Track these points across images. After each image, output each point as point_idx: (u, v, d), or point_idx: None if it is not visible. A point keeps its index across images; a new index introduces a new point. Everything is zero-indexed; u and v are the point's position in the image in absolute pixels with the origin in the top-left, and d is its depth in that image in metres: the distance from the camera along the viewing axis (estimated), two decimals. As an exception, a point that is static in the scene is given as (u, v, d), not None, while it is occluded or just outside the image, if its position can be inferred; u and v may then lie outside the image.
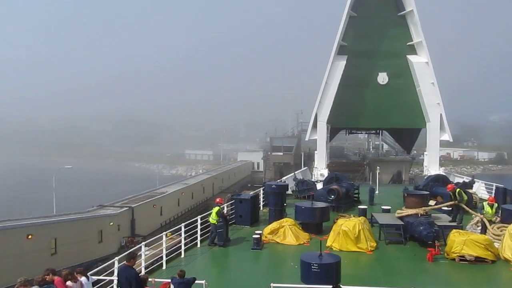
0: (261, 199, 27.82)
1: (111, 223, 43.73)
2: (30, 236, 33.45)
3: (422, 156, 47.58)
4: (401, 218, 21.59)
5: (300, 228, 21.37)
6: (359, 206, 25.77)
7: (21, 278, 10.57)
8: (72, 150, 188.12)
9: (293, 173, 38.21)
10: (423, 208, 21.86)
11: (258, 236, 19.51)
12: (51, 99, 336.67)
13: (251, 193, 27.08)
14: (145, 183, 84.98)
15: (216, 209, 19.97)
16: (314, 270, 12.81)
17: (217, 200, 21.46)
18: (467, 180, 33.56)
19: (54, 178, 50.40)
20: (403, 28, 43.48)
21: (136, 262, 12.92)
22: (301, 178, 35.64)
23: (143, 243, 17.35)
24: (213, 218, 19.84)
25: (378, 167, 40.96)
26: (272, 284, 11.90)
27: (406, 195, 25.30)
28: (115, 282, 13.85)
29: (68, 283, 11.46)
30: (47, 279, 10.95)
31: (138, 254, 14.98)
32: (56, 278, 11.24)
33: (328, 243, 19.24)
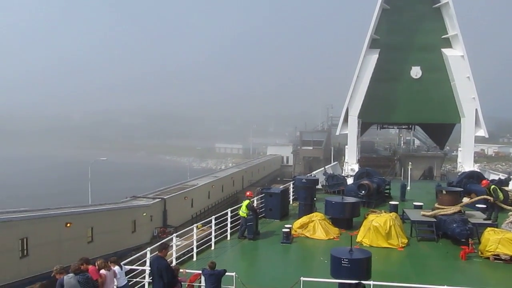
0: (291, 193, 27.76)
1: (144, 214, 44.51)
2: (68, 224, 34.36)
3: (455, 152, 46.60)
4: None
5: (330, 223, 21.23)
6: (390, 202, 25.39)
7: (57, 266, 10.92)
8: (105, 143, 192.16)
9: (323, 168, 37.96)
10: (459, 204, 21.33)
11: (288, 230, 19.48)
12: (85, 95, 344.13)
13: (281, 187, 27.05)
14: (175, 176, 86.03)
15: (246, 202, 20.05)
16: (345, 265, 12.68)
17: (247, 193, 21.54)
18: (503, 177, 32.55)
19: (90, 169, 51.62)
20: (437, 20, 42.45)
21: (168, 253, 13.13)
22: (331, 172, 35.38)
23: (175, 234, 17.59)
24: (243, 211, 19.93)
25: (410, 163, 40.22)
26: (302, 278, 11.87)
27: (439, 192, 24.75)
28: (147, 272, 14.12)
29: (102, 271, 11.75)
30: (82, 268, 11.23)
31: (170, 245, 15.18)
32: (90, 267, 11.52)
33: (358, 239, 19.04)
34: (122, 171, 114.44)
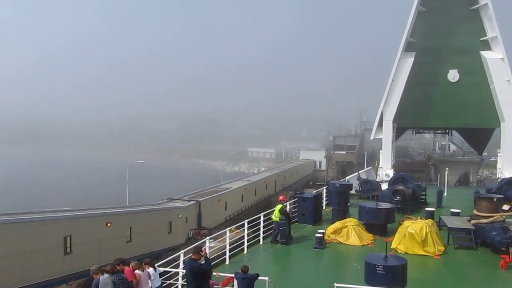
0: (324, 198, 27.49)
1: (180, 215, 45.09)
2: (109, 224, 35.19)
3: (493, 157, 45.08)
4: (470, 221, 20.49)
5: (364, 228, 20.88)
6: (426, 208, 24.75)
7: (94, 266, 11.18)
8: (140, 147, 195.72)
9: (357, 173, 37.47)
10: (505, 214, 20.56)
11: (321, 235, 19.27)
12: (121, 101, 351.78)
13: (314, 191, 26.84)
14: (209, 179, 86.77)
15: (279, 206, 19.97)
16: (379, 272, 12.45)
17: (280, 197, 21.45)
18: None
19: (127, 172, 52.87)
20: (476, 22, 41.31)
21: (201, 257, 13.19)
22: (365, 178, 34.86)
23: (208, 237, 17.69)
24: (276, 216, 19.85)
25: (447, 168, 39.15)
26: (335, 284, 11.71)
27: (477, 198, 23.94)
28: (181, 274, 14.25)
29: (137, 272, 11.93)
30: (117, 268, 11.44)
31: (203, 248, 15.27)
32: (126, 268, 11.73)
33: (393, 245, 18.63)
34: (156, 174, 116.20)
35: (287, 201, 23.38)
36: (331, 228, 20.74)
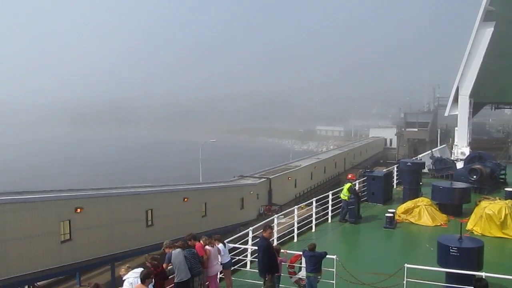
0: (395, 177, 26.65)
1: (251, 192, 46.28)
2: (186, 199, 36.72)
3: None
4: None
5: (437, 208, 20.04)
6: (506, 189, 23.22)
7: (167, 241, 11.57)
8: (209, 127, 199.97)
9: (430, 151, 35.88)
10: None
11: (391, 214, 18.76)
12: (191, 81, 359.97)
13: (384, 170, 26.12)
14: (277, 158, 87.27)
15: (348, 185, 19.65)
16: (453, 254, 11.89)
17: (349, 176, 21.08)
18: None
19: (201, 150, 54.94)
20: None
21: (271, 233, 13.31)
22: (439, 156, 33.26)
23: (276, 215, 17.83)
24: (344, 194, 19.57)
25: None
26: (406, 265, 11.38)
27: None
28: (249, 250, 14.51)
29: (207, 247, 12.27)
30: (189, 243, 11.81)
31: (272, 225, 15.41)
32: (197, 243, 12.09)
33: (469, 227, 17.74)
34: (226, 153, 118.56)
35: (356, 180, 22.97)
36: (402, 207, 20.11)
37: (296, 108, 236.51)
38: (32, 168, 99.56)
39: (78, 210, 27.04)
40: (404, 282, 11.38)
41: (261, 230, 12.51)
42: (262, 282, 12.00)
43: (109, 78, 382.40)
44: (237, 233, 17.07)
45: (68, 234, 26.50)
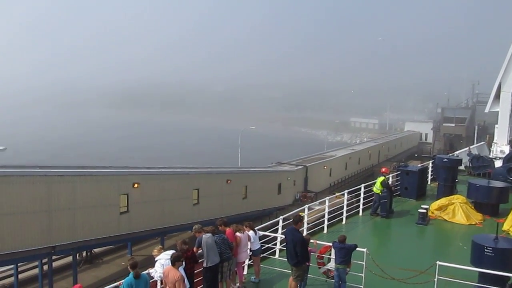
0: (430, 173, 25.92)
1: (288, 178, 47.15)
2: (228, 181, 37.75)
3: None
4: None
5: (472, 207, 19.38)
6: None
7: (197, 225, 11.59)
8: (244, 115, 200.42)
9: (467, 148, 34.70)
10: None
11: (425, 210, 18.25)
12: (227, 70, 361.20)
13: (419, 165, 25.44)
14: (311, 148, 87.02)
15: (381, 178, 19.23)
16: (488, 254, 11.45)
17: (383, 169, 20.60)
18: None
19: (240, 137, 56.05)
20: None
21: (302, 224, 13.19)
22: (477, 153, 32.13)
23: (307, 205, 17.65)
24: (377, 188, 19.17)
25: None
26: (438, 262, 11.05)
27: None
28: (279, 239, 14.45)
29: (237, 234, 12.28)
30: (220, 229, 11.84)
31: (303, 215, 15.26)
32: (227, 229, 12.11)
33: (505, 227, 17.04)
34: (262, 141, 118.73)
35: (390, 174, 22.48)
36: (435, 204, 19.54)
37: (331, 98, 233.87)
38: (83, 146, 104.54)
39: (136, 185, 28.50)
40: (435, 279, 11.07)
41: (292, 220, 12.43)
42: (290, 271, 11.92)
43: (151, 65, 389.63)
44: (274, 217, 17.12)
45: (126, 207, 27.98)
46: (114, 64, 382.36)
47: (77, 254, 27.02)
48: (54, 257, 25.20)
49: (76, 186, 24.84)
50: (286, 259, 11.95)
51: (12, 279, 25.61)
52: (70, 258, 27.66)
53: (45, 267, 24.74)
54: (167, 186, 31.50)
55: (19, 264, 25.05)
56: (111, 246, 31.57)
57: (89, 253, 30.34)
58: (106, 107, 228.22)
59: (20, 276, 25.72)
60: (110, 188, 27.03)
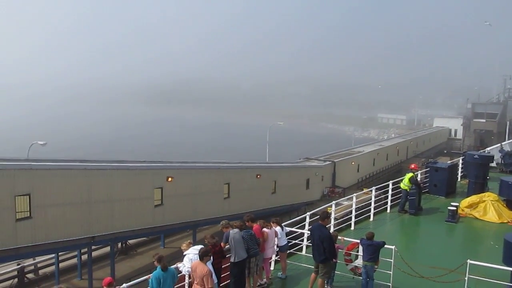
0: (460, 169, 25.29)
1: (316, 174, 47.09)
2: (258, 176, 38.06)
3: None
4: None
5: (504, 205, 18.78)
6: None
7: (224, 221, 11.61)
8: (270, 111, 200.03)
9: (499, 144, 33.70)
10: None
11: (454, 208, 17.82)
12: (252, 68, 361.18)
13: (449, 162, 24.85)
14: (337, 144, 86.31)
15: (409, 175, 18.85)
16: (520, 253, 11.11)
17: (412, 166, 20.17)
18: None
19: (268, 133, 56.35)
20: None
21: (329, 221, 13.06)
22: (509, 150, 31.15)
23: (334, 202, 17.50)
24: (405, 184, 18.83)
25: None
26: (469, 261, 10.78)
27: None
28: (306, 235, 14.36)
29: (265, 229, 12.25)
30: (247, 225, 11.83)
31: (330, 211, 15.13)
32: (255, 225, 12.10)
33: (539, 226, 16.53)
34: (288, 137, 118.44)
35: (418, 170, 22.03)
36: (466, 201, 19.06)
37: (357, 94, 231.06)
38: (118, 142, 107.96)
39: (169, 179, 28.98)
40: (466, 278, 10.81)
41: (318, 217, 12.34)
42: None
43: (179, 62, 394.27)
44: (302, 212, 17.05)
45: (160, 200, 28.56)
46: (144, 61, 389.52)
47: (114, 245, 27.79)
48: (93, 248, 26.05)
49: (114, 179, 25.55)
50: (312, 255, 11.87)
51: (53, 267, 26.68)
52: (104, 249, 28.66)
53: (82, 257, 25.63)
54: (199, 180, 32.03)
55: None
56: (144, 238, 32.43)
57: (124, 245, 31.18)
58: (141, 104, 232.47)
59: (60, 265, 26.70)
60: (145, 182, 27.69)
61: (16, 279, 25.16)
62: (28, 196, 21.04)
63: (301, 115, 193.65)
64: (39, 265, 26.98)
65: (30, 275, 26.33)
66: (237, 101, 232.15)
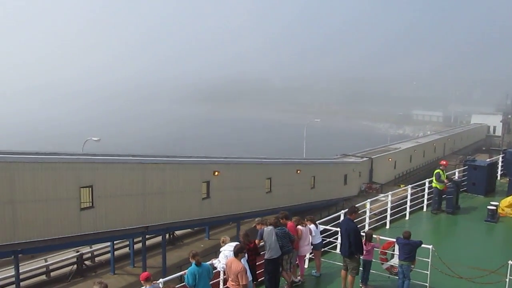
0: (500, 167, 24.26)
1: (354, 170, 47.43)
2: (298, 171, 38.69)
3: None
4: None
5: (547, 204, 17.91)
6: None
7: (258, 218, 11.61)
8: (303, 107, 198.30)
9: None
10: None
11: (494, 207, 17.10)
12: (284, 62, 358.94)
13: (488, 160, 23.90)
14: (371, 141, 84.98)
15: (436, 171, 18.14)
16: None
17: (442, 162, 19.34)
18: None
19: (305, 129, 56.67)
20: None
21: (361, 217, 12.80)
22: (552, 147, 29.70)
23: (368, 200, 17.13)
24: (435, 182, 18.02)
25: None
26: (510, 262, 10.32)
27: None
28: (339, 234, 14.12)
29: (299, 227, 12.12)
30: (281, 222, 11.72)
31: (361, 210, 14.79)
32: (289, 222, 11.97)
33: None
34: (323, 134, 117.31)
35: (456, 168, 21.25)
36: (506, 200, 18.23)
37: (392, 90, 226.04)
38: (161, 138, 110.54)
39: (216, 173, 30.00)
40: (507, 279, 10.36)
41: (347, 211, 12.15)
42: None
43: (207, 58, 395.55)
44: (340, 208, 16.85)
45: (206, 193, 29.54)
46: (176, 57, 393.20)
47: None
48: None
49: (166, 172, 26.74)
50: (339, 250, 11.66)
51: (107, 255, 27.83)
52: (153, 240, 29.87)
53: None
54: (243, 175, 32.85)
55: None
56: (189, 230, 33.67)
57: (171, 235, 32.11)
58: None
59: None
60: (194, 175, 28.81)
61: (75, 266, 26.51)
62: (90, 188, 22.52)
63: (335, 111, 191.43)
64: (95, 253, 28.42)
65: (87, 262, 27.65)
66: (271, 99, 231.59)
